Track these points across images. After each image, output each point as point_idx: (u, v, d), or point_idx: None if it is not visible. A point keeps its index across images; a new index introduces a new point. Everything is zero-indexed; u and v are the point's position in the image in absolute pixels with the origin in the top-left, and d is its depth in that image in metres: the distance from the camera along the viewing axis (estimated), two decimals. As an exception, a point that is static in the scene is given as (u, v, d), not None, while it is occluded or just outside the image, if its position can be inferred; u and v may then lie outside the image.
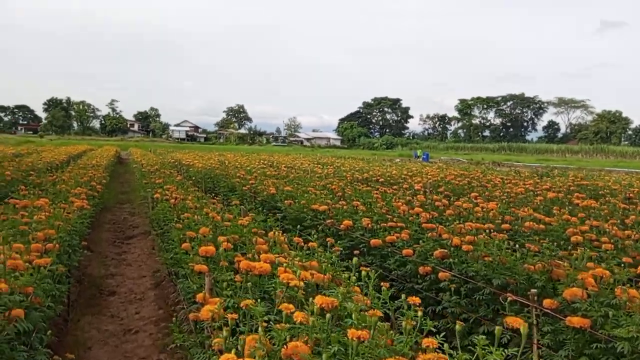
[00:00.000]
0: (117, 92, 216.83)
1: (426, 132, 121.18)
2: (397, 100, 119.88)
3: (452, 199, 9.23)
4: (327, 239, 6.54)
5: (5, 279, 2.89)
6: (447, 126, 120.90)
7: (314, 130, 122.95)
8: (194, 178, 15.31)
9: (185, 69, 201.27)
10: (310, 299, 2.51)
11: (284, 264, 3.10)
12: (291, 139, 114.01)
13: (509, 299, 3.68)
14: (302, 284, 2.76)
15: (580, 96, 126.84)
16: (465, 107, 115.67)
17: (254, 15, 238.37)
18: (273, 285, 3.05)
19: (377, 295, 2.77)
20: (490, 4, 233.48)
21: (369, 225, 6.32)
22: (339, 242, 6.44)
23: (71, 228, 5.68)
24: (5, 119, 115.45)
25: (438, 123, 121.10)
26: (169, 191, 8.63)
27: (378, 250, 5.83)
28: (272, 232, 5.13)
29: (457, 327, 2.60)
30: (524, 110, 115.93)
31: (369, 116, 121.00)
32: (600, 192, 10.56)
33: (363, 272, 2.96)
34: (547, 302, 3.44)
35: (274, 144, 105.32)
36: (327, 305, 2.45)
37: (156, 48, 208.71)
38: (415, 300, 2.71)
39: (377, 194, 9.48)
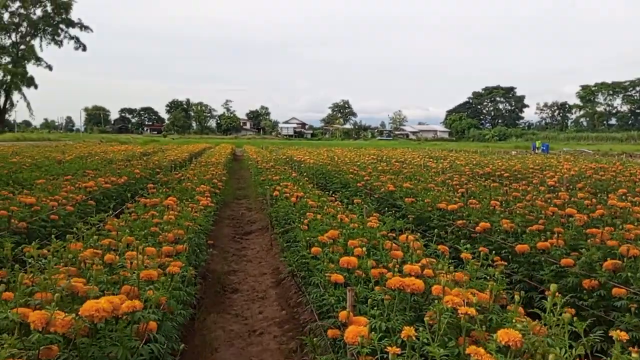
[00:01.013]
0: (231, 93, 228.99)
1: (543, 121, 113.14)
2: (511, 89, 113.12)
3: (599, 197, 8.09)
4: (465, 244, 5.99)
5: (139, 293, 2.72)
6: (568, 115, 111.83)
7: (419, 123, 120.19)
8: (306, 174, 15.29)
9: (293, 68, 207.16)
10: (489, 332, 2.00)
11: (441, 282, 2.60)
12: (396, 132, 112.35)
13: None
14: (474, 312, 2.25)
15: None
16: (587, 94, 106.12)
17: (359, 9, 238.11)
18: (429, 306, 2.58)
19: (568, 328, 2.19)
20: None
21: (512, 228, 5.59)
22: (475, 247, 5.87)
23: (198, 228, 5.65)
24: (133, 120, 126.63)
25: (557, 112, 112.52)
26: (287, 188, 8.49)
27: (525, 258, 5.11)
28: (403, 236, 4.67)
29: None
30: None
31: (479, 107, 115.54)
32: None
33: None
34: None
35: (379, 138, 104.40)
36: (514, 342, 1.93)
37: (265, 48, 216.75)
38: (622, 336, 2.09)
39: (509, 190, 8.60)
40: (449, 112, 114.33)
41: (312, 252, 4.16)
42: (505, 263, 4.26)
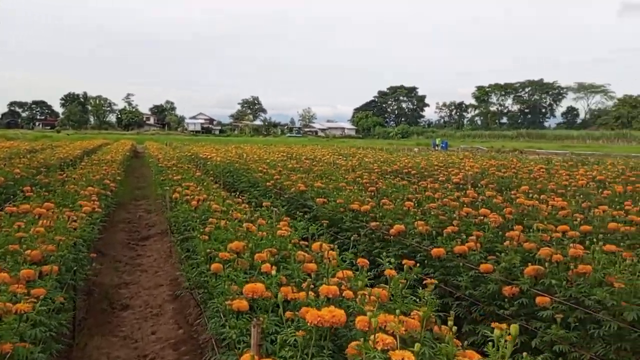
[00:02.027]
0: (133, 86, 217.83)
1: (442, 120, 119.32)
2: (414, 89, 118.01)
3: (505, 194, 8.19)
4: (376, 246, 5.65)
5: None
6: (464, 114, 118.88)
7: (328, 121, 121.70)
8: (212, 172, 14.43)
9: (201, 62, 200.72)
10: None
11: (369, 316, 2.12)
12: (306, 129, 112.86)
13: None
14: (411, 358, 1.80)
15: (600, 81, 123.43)
16: (482, 95, 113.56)
17: (266, 5, 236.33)
18: (352, 340, 2.11)
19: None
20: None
21: (427, 231, 5.33)
22: (389, 250, 5.55)
23: (77, 239, 4.79)
24: (24, 114, 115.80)
25: (454, 111, 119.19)
26: (189, 189, 7.72)
27: (441, 262, 4.85)
28: (317, 244, 4.20)
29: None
30: (543, 96, 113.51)
31: (384, 105, 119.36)
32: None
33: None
34: None
35: (289, 135, 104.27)
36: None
37: (170, 41, 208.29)
38: None
39: (418, 188, 8.49)
40: (356, 110, 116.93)
41: (212, 268, 3.56)
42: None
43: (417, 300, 2.65)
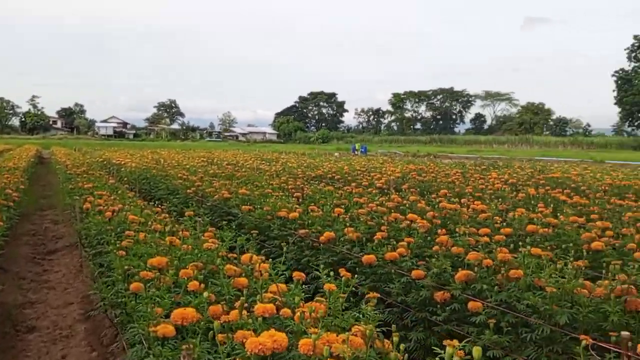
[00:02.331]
0: (39, 88, 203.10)
1: (361, 125, 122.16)
2: (333, 95, 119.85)
3: (426, 198, 8.38)
4: (305, 254, 5.50)
5: None
6: (381, 120, 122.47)
7: (249, 125, 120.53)
8: (126, 180, 13.63)
9: (113, 64, 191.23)
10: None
11: (312, 337, 1.96)
12: (226, 134, 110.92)
13: (584, 342, 2.74)
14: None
15: (505, 89, 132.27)
16: (398, 101, 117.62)
17: (185, 10, 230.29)
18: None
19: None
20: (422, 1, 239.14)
21: (357, 238, 5.27)
22: (319, 258, 5.43)
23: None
24: None
25: (372, 117, 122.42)
26: (102, 198, 7.17)
27: (372, 269, 4.80)
28: (246, 256, 3.98)
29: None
30: (453, 104, 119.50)
31: (304, 110, 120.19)
32: (571, 186, 10.08)
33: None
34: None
35: (208, 139, 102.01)
36: None
37: (81, 41, 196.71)
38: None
39: (344, 193, 8.47)
40: (277, 115, 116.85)
41: (131, 288, 3.23)
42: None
43: (360, 315, 2.53)
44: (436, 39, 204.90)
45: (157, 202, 9.97)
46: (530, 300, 3.22)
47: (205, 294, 2.68)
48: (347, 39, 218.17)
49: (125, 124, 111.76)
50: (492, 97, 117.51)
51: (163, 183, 12.01)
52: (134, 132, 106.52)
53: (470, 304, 3.61)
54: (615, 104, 78.26)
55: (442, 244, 4.54)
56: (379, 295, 3.07)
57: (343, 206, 6.83)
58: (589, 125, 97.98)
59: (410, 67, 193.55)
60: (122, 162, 18.14)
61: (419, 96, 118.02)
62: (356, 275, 4.84)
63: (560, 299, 3.17)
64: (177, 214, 7.14)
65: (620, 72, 77.05)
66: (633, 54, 76.04)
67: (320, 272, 3.20)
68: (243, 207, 7.51)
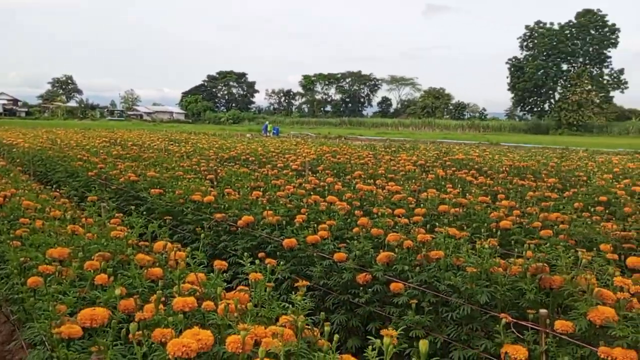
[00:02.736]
0: None
1: (272, 107, 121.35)
2: (243, 75, 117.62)
3: (342, 179, 8.43)
4: (222, 239, 5.26)
5: None
6: (292, 101, 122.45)
7: (154, 104, 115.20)
8: (19, 161, 12.42)
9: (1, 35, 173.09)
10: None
11: (241, 334, 1.81)
12: (129, 113, 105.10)
13: (504, 320, 2.85)
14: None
15: (409, 74, 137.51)
16: (308, 83, 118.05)
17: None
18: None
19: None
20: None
21: (277, 221, 5.14)
22: (237, 243, 5.25)
23: None
24: None
25: (283, 98, 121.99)
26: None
27: (292, 252, 4.70)
28: (160, 243, 3.72)
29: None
30: (361, 87, 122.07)
31: (214, 90, 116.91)
32: (474, 167, 10.65)
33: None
34: (561, 325, 2.67)
35: (110, 118, 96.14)
36: None
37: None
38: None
39: (260, 175, 8.29)
40: (185, 94, 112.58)
41: (29, 283, 2.87)
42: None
43: (289, 305, 2.41)
44: (346, 24, 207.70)
45: (54, 185, 9.17)
46: (451, 281, 3.28)
47: (117, 291, 2.42)
48: (261, 20, 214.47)
49: (16, 101, 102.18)
50: (397, 81, 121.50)
51: (61, 165, 11.06)
52: (27, 109, 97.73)
53: (392, 285, 3.63)
54: (509, 90, 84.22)
55: (363, 226, 4.54)
56: (308, 283, 2.97)
57: (260, 189, 6.66)
58: (484, 110, 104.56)
59: (321, 51, 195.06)
60: (14, 143, 16.52)
61: (329, 79, 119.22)
62: (278, 261, 4.77)
63: (479, 277, 3.27)
64: (79, 199, 6.57)
65: (513, 60, 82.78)
66: (524, 43, 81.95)
67: (244, 260, 3.04)
68: (152, 190, 7.09)
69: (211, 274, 3.10)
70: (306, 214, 5.27)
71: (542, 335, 2.74)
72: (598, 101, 71.33)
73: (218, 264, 3.05)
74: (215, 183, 8.03)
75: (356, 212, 5.50)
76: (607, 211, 6.06)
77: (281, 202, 5.82)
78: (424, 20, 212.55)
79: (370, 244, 4.23)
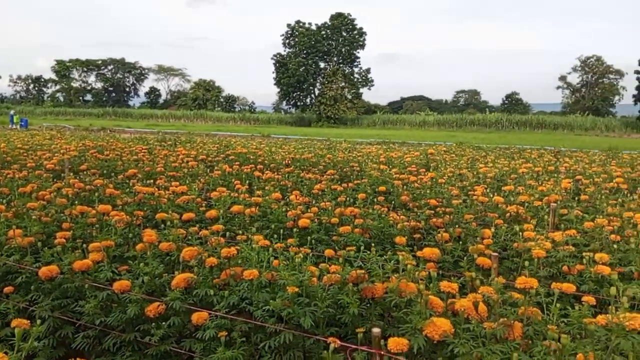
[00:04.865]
0: None
1: (19, 95, 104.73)
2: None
3: (113, 180, 7.23)
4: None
5: None
6: (44, 89, 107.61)
7: None
8: None
9: None
10: None
11: None
12: None
13: (333, 345, 2.47)
14: None
15: (178, 65, 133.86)
16: (63, 69, 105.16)
17: None
18: None
19: None
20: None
21: (28, 243, 3.90)
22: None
23: None
24: None
25: (33, 85, 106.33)
26: None
27: (54, 284, 3.60)
28: None
29: None
30: (126, 76, 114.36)
31: None
32: (258, 161, 10.38)
33: None
34: (395, 344, 2.39)
35: None
36: None
37: None
38: None
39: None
40: None
41: None
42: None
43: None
44: (104, 6, 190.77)
45: None
46: (269, 305, 2.76)
47: None
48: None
49: None
50: (165, 71, 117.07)
51: None
52: None
53: (195, 316, 2.95)
54: (275, 84, 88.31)
55: (149, 241, 3.70)
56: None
57: (3, 199, 5.15)
58: (254, 103, 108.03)
59: (76, 34, 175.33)
60: None
61: (87, 65, 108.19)
62: (31, 294, 3.63)
63: (299, 295, 2.82)
64: None
65: (278, 56, 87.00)
66: (287, 41, 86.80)
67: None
68: None
69: None
70: (71, 230, 4.16)
71: (377, 359, 2.42)
72: (350, 97, 79.97)
73: None
74: None
75: (138, 221, 4.60)
76: (386, 201, 6.36)
77: (33, 215, 4.52)
78: (189, 10, 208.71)
79: (161, 264, 3.45)
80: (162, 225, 4.27)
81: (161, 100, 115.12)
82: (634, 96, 65.26)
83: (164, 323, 3.11)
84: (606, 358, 2.04)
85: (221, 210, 5.19)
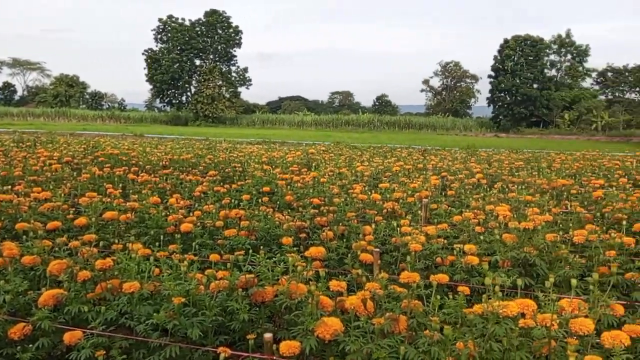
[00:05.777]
0: None
1: None
2: None
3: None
4: None
5: None
6: None
7: None
8: None
9: None
10: None
11: None
12: None
13: (223, 355, 2.40)
14: None
15: (36, 58, 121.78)
16: None
17: None
18: None
19: None
20: None
21: None
22: None
23: None
24: None
25: None
26: None
27: None
28: None
29: None
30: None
31: None
32: (131, 162, 9.76)
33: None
34: (287, 348, 2.39)
35: None
36: None
37: None
38: None
39: None
40: None
41: None
42: None
43: None
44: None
45: None
46: (153, 318, 2.59)
47: None
48: None
49: None
50: (21, 65, 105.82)
51: None
52: None
53: (67, 336, 2.68)
54: (147, 81, 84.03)
55: (9, 255, 3.29)
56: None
57: None
58: (124, 100, 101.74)
59: None
60: None
61: None
62: None
63: (185, 305, 2.69)
64: None
65: (150, 51, 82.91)
66: (159, 36, 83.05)
67: None
68: None
69: None
70: None
71: (271, 363, 2.39)
72: (228, 96, 78.80)
73: None
74: None
75: None
76: (270, 201, 6.35)
77: None
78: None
79: (26, 280, 3.09)
80: (24, 237, 3.83)
81: (17, 97, 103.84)
82: (487, 99, 72.64)
83: (31, 345, 2.79)
84: (483, 345, 2.23)
85: (92, 218, 4.80)
